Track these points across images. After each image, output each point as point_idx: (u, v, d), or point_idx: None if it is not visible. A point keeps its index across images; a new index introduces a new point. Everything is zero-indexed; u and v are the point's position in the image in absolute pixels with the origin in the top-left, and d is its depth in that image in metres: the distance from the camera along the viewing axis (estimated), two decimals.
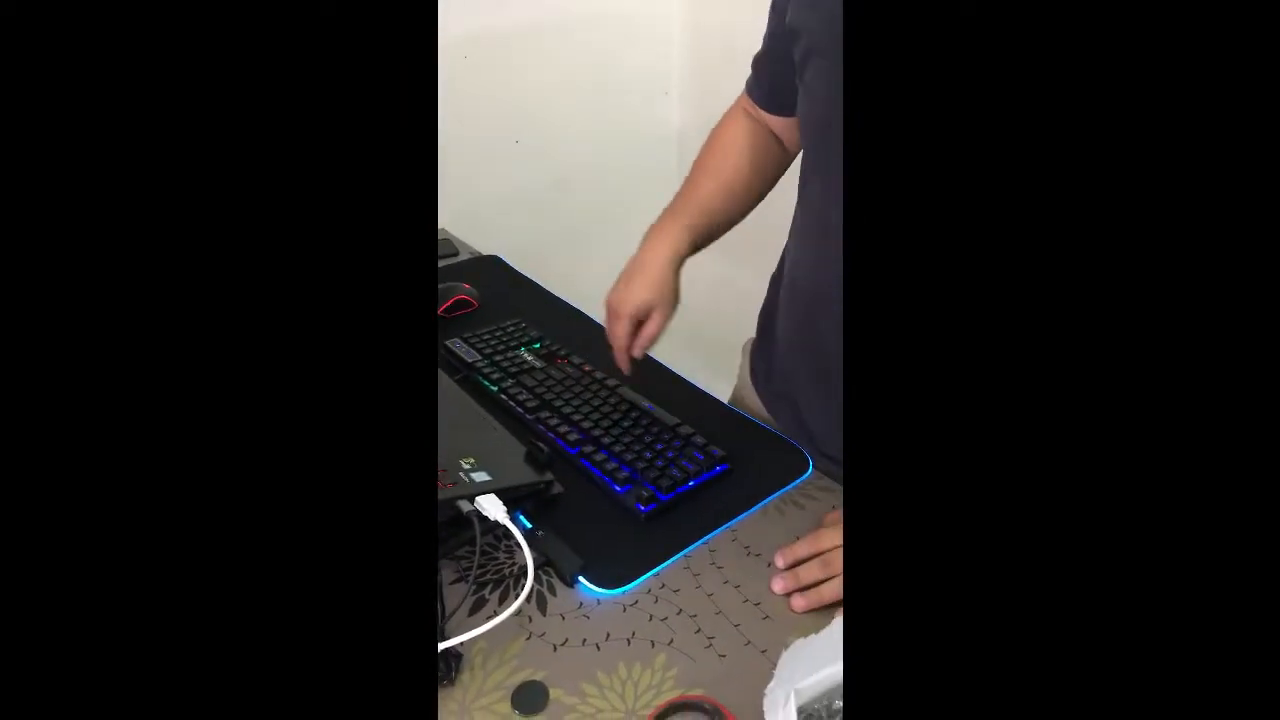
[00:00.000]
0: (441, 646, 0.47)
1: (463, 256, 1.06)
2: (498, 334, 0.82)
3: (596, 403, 0.69)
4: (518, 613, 0.51)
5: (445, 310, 0.88)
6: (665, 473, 0.60)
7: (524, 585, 0.51)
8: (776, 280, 0.72)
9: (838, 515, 0.57)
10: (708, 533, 0.57)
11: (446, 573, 0.54)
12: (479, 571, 0.54)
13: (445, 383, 0.72)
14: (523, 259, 1.02)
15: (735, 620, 0.50)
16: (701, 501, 0.60)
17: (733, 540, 0.57)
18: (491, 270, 1.00)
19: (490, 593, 0.53)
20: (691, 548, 0.56)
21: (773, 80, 0.66)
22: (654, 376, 0.77)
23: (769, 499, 0.60)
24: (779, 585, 0.53)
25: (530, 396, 0.71)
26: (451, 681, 0.47)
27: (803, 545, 0.54)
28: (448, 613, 0.51)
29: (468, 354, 0.78)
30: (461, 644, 0.47)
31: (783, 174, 0.72)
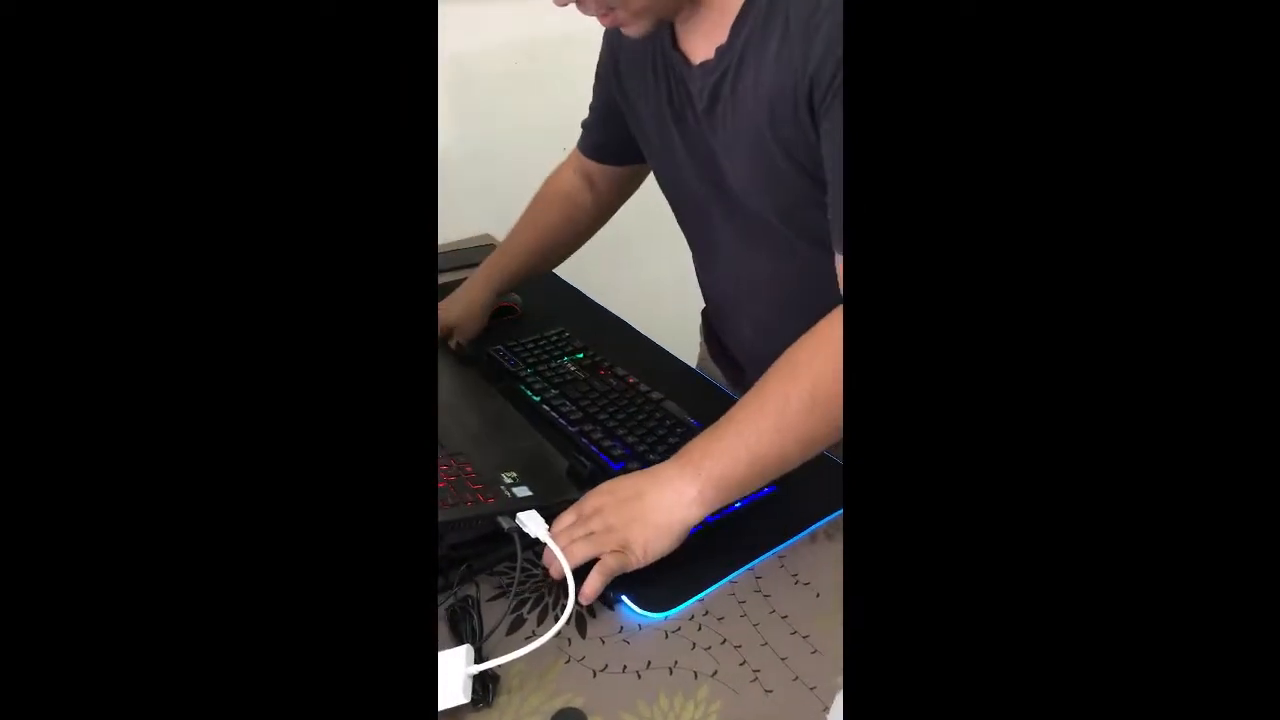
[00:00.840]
0: (479, 668, 0.46)
1: None
2: (540, 343, 0.81)
3: (641, 417, 0.68)
4: (557, 635, 0.49)
5: (491, 317, 0.87)
6: None
7: (564, 606, 0.49)
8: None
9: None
10: (755, 558, 0.55)
11: (485, 589, 0.53)
12: (517, 590, 0.53)
13: (487, 392, 0.71)
14: (565, 266, 1.01)
15: (783, 654, 0.48)
16: (748, 524, 0.58)
17: (780, 567, 0.55)
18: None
19: (529, 611, 0.52)
20: (738, 573, 0.54)
21: (599, 134, 0.80)
22: (698, 391, 0.75)
23: (818, 525, 0.58)
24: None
25: (574, 409, 0.69)
26: (489, 704, 0.45)
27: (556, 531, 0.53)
28: (486, 632, 0.50)
29: (510, 362, 0.78)
30: (499, 666, 0.46)
31: (600, 216, 0.87)
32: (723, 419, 0.54)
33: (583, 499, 0.55)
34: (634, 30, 0.58)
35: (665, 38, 0.63)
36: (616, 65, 0.72)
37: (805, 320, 0.57)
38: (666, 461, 0.55)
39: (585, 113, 1.28)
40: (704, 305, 0.86)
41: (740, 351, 0.79)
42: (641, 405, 0.69)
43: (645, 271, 0.88)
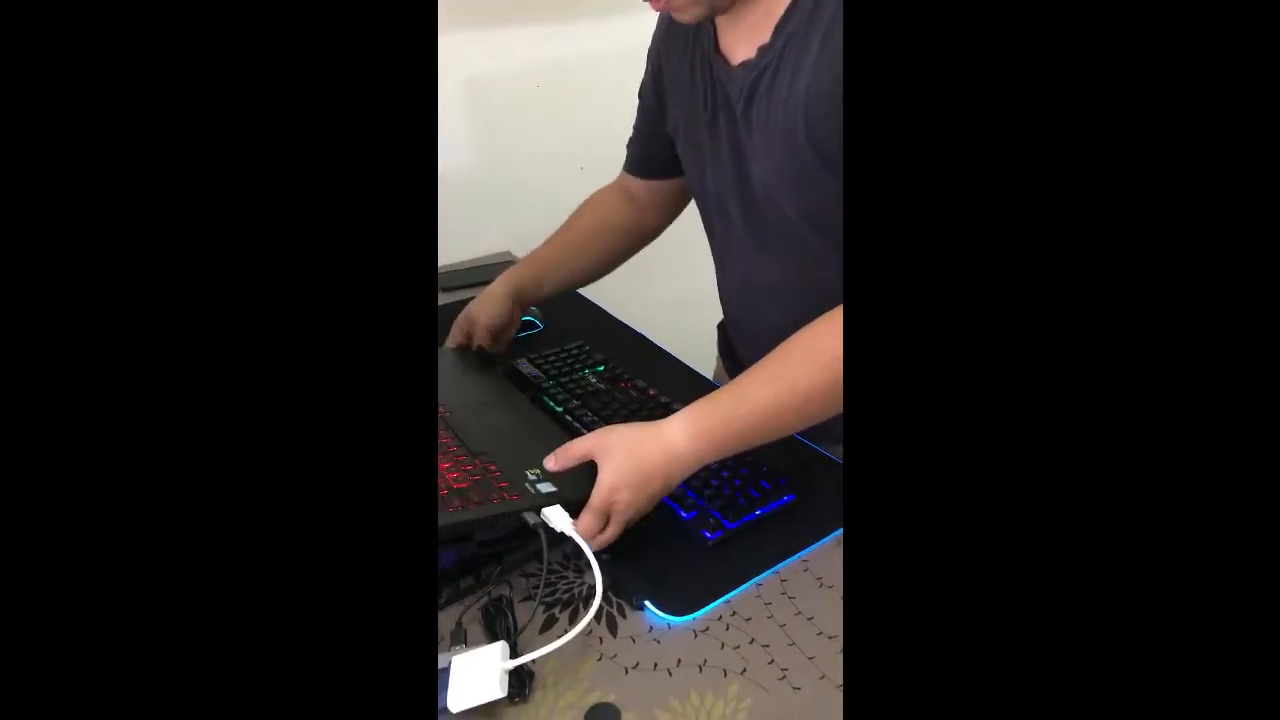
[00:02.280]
0: (514, 663, 0.46)
1: None
2: (562, 355, 0.82)
3: None
4: (588, 632, 0.50)
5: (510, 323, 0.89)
6: (732, 501, 0.60)
7: (594, 603, 0.50)
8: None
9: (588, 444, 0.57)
10: (779, 561, 0.56)
11: (516, 589, 0.54)
12: (547, 590, 0.54)
13: (512, 394, 0.73)
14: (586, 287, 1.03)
15: (809, 653, 0.49)
16: (768, 531, 0.59)
17: (804, 570, 0.56)
18: None
19: (560, 611, 0.53)
20: (762, 576, 0.55)
21: (644, 150, 0.82)
22: None
23: (839, 531, 0.59)
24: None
25: (596, 419, 0.71)
26: (525, 699, 0.46)
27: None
28: (519, 628, 0.51)
29: (533, 374, 0.79)
30: (534, 661, 0.47)
31: (644, 231, 0.87)
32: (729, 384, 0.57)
33: (601, 493, 0.54)
34: (687, 16, 0.58)
35: (707, 40, 0.64)
36: (658, 74, 0.73)
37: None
38: (666, 422, 0.57)
39: (601, 132, 1.31)
40: (720, 320, 0.88)
41: (752, 356, 0.79)
42: (662, 416, 0.70)
43: (663, 288, 0.90)
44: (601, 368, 0.80)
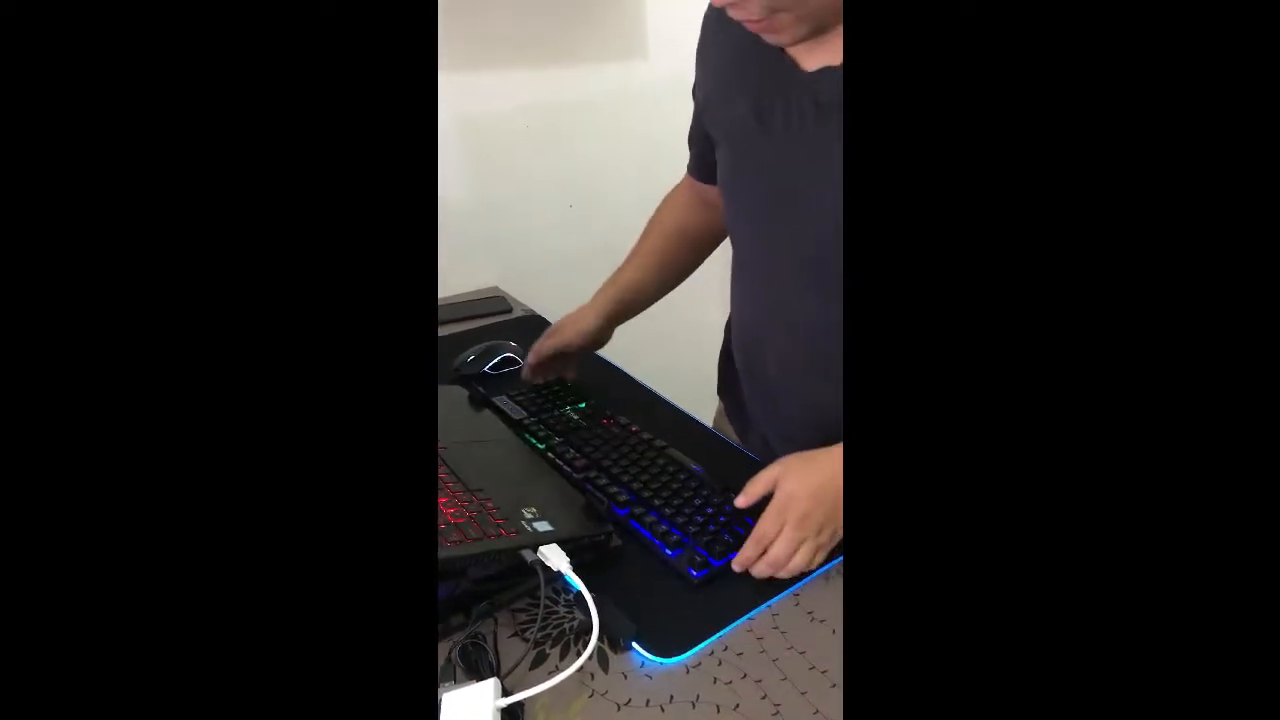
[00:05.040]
0: (505, 702, 0.46)
1: (516, 313, 1.08)
2: (544, 392, 0.82)
3: (644, 464, 0.69)
4: (579, 669, 0.50)
5: (492, 368, 0.90)
6: (717, 538, 0.59)
7: (588, 641, 0.50)
8: (729, 325, 0.81)
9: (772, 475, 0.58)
10: (768, 598, 0.56)
11: (505, 627, 0.54)
12: (536, 628, 0.53)
13: (505, 434, 0.73)
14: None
15: (802, 688, 0.49)
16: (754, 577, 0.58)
17: (796, 605, 0.56)
18: (536, 329, 1.02)
19: (550, 647, 0.52)
20: (753, 614, 0.55)
21: (701, 154, 0.76)
22: (699, 438, 0.77)
23: (830, 565, 0.59)
24: (761, 569, 0.56)
25: (578, 455, 0.70)
26: None
27: (766, 524, 0.56)
28: (510, 667, 0.50)
29: (514, 411, 0.79)
30: (525, 699, 0.47)
31: (717, 233, 0.82)
32: None
33: (778, 499, 0.56)
34: (785, 37, 0.56)
35: (771, 48, 0.60)
36: (706, 71, 0.70)
37: (826, 365, 0.58)
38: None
39: (589, 173, 1.34)
40: (718, 354, 0.86)
41: (758, 388, 0.75)
42: (644, 453, 0.70)
43: (650, 325, 0.91)
44: (584, 404, 0.80)
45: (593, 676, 0.50)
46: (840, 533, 0.57)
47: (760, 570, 0.56)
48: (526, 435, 0.75)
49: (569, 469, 0.69)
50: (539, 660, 0.51)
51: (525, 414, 0.78)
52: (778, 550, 0.55)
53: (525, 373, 0.82)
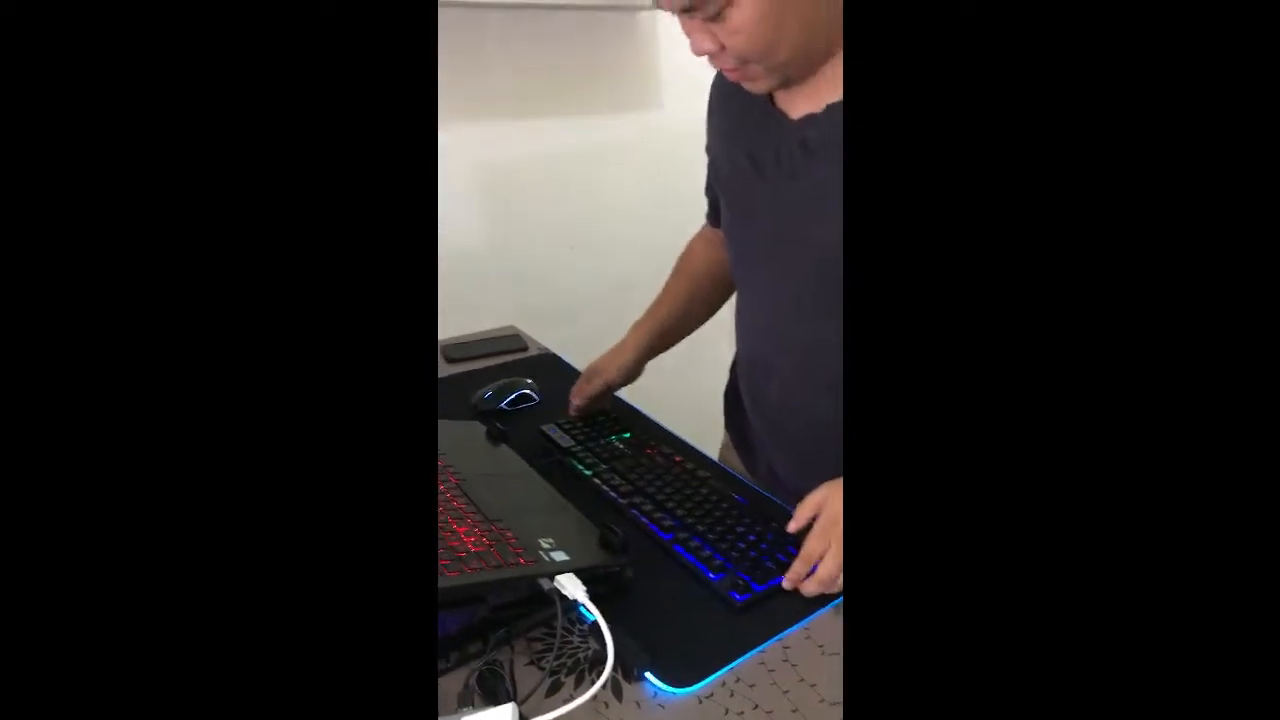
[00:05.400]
0: None
1: (532, 351, 1.11)
2: (589, 421, 0.85)
3: (688, 491, 0.71)
4: (593, 698, 0.51)
5: (509, 404, 0.92)
6: (759, 564, 0.61)
7: (602, 670, 0.51)
8: (734, 364, 0.86)
9: (818, 499, 0.62)
10: (781, 630, 0.57)
11: (520, 655, 0.55)
12: (551, 657, 0.55)
13: (523, 468, 0.75)
14: (588, 355, 1.07)
15: None
16: (775, 601, 0.60)
17: (807, 638, 0.57)
18: (551, 366, 1.05)
19: (565, 675, 0.53)
20: (764, 646, 0.56)
21: (714, 202, 0.83)
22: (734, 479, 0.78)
23: (840, 600, 0.60)
24: (811, 587, 0.58)
25: (624, 482, 0.73)
26: None
27: (814, 541, 0.60)
28: (525, 694, 0.51)
29: (563, 439, 0.81)
30: None
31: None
32: None
33: (822, 520, 0.60)
34: (759, 86, 0.61)
35: (763, 98, 0.66)
36: (713, 125, 0.76)
37: (825, 382, 0.62)
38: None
39: (601, 217, 1.38)
40: (724, 389, 0.90)
41: (762, 416, 0.78)
42: (688, 481, 0.72)
43: (665, 361, 0.93)
44: (628, 434, 0.83)
45: (606, 706, 0.51)
46: None
47: (809, 589, 0.59)
48: (573, 461, 0.77)
49: (614, 494, 0.71)
50: (554, 688, 0.52)
51: (573, 442, 0.81)
52: (826, 567, 0.58)
53: (572, 411, 0.86)
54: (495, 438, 0.81)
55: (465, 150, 1.17)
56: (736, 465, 0.87)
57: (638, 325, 0.88)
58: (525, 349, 1.12)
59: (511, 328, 1.21)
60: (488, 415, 0.89)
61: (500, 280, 1.28)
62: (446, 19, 1.12)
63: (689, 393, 1.04)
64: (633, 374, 0.87)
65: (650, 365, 0.90)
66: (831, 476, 0.64)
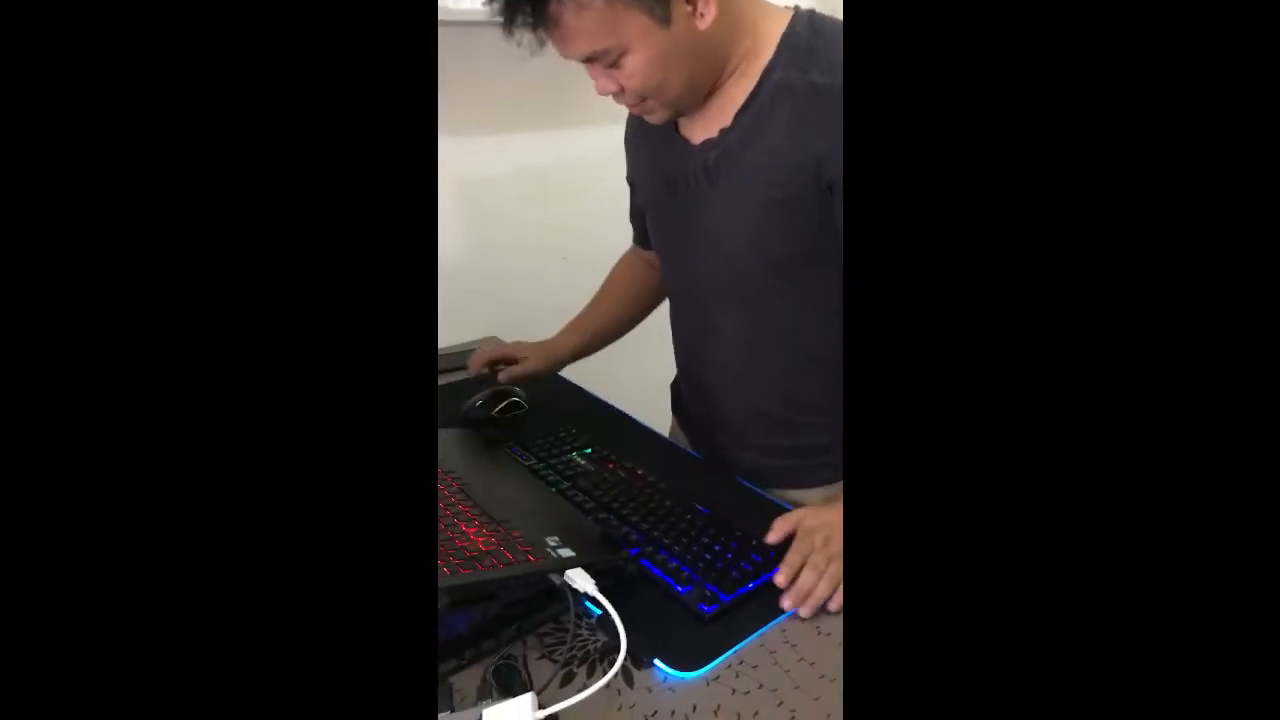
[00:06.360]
0: (544, 713, 0.49)
1: None
2: (550, 439, 0.86)
3: (652, 505, 0.72)
4: (607, 685, 0.53)
5: (499, 411, 0.94)
6: (725, 575, 0.62)
7: (612, 660, 0.53)
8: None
9: (796, 516, 0.67)
10: (781, 614, 0.60)
11: (531, 650, 0.57)
12: (563, 649, 0.57)
13: (519, 471, 0.77)
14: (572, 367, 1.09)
15: (815, 695, 0.53)
16: (764, 597, 0.62)
17: (803, 621, 0.60)
18: (535, 375, 1.07)
19: (577, 667, 0.56)
20: (764, 630, 0.59)
21: (640, 225, 0.93)
22: (700, 477, 0.81)
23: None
24: (788, 602, 0.60)
25: (587, 498, 0.74)
26: None
27: (792, 555, 0.63)
28: (541, 685, 0.53)
29: (524, 458, 0.82)
30: (560, 712, 0.50)
31: (659, 288, 0.96)
32: None
33: (799, 534, 0.65)
34: (657, 118, 0.71)
35: (669, 126, 0.77)
36: (631, 157, 0.87)
37: (748, 363, 0.75)
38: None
39: (582, 227, 1.41)
40: (673, 380, 0.97)
41: (699, 398, 0.90)
42: (651, 495, 0.74)
43: (646, 367, 0.97)
44: (589, 450, 0.84)
45: (619, 692, 0.53)
46: None
47: (789, 602, 0.60)
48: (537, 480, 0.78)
49: (579, 511, 0.72)
50: (566, 680, 0.54)
51: (535, 460, 0.81)
52: (804, 579, 0.61)
53: (473, 362, 0.96)
54: (491, 445, 0.82)
55: (444, 164, 1.18)
56: (685, 443, 0.96)
57: (571, 326, 0.99)
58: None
59: (493, 338, 1.23)
60: (478, 424, 0.91)
61: (479, 292, 1.30)
62: None
63: (642, 383, 1.09)
64: (556, 369, 0.98)
65: (610, 364, 0.96)
66: (760, 452, 0.80)
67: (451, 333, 1.20)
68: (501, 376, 0.94)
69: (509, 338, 1.23)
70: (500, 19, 0.63)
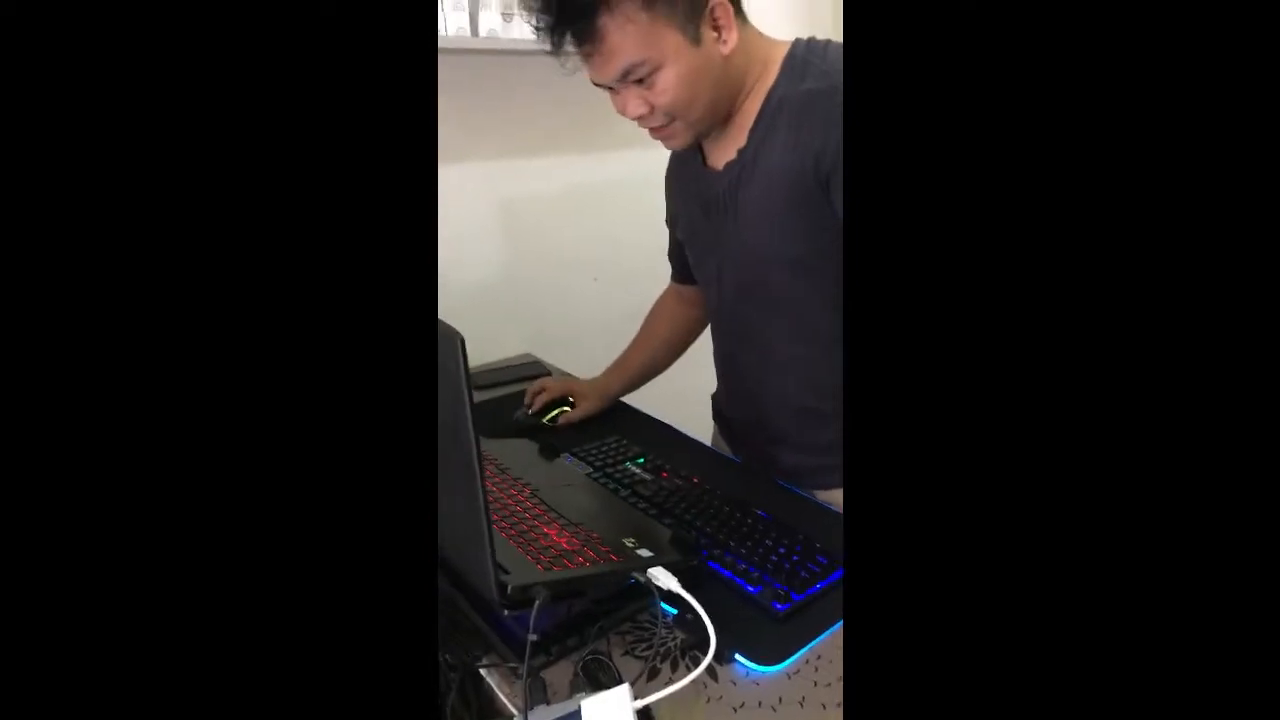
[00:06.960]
0: (641, 703, 0.51)
1: (554, 376, 1.15)
2: (603, 449, 0.88)
3: (712, 510, 0.74)
4: (696, 678, 0.55)
5: (549, 419, 0.97)
6: (795, 575, 0.64)
7: (693, 655, 0.55)
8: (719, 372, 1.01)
9: None
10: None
11: (615, 647, 0.59)
12: (643, 646, 0.58)
13: (582, 476, 0.79)
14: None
15: None
16: (833, 596, 0.63)
17: None
18: None
19: (661, 662, 0.57)
20: (837, 626, 0.61)
21: (680, 263, 0.98)
22: (754, 483, 0.84)
23: None
24: None
25: (648, 505, 0.75)
26: None
27: None
28: (631, 679, 0.55)
29: (580, 467, 0.84)
30: (655, 702, 0.51)
31: (693, 325, 1.03)
32: None
33: None
34: (679, 142, 0.76)
35: (696, 158, 0.82)
36: (670, 197, 0.92)
37: (791, 367, 0.80)
38: None
39: (610, 248, 1.45)
40: (713, 390, 1.01)
41: (739, 405, 0.94)
42: (711, 501, 0.75)
43: (668, 385, 1.00)
44: (642, 459, 0.86)
45: (705, 686, 0.55)
46: None
47: None
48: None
49: (646, 516, 0.73)
50: (652, 675, 0.56)
51: (591, 469, 0.83)
52: None
53: (533, 404, 0.99)
54: (548, 452, 0.85)
55: (483, 187, 1.22)
56: (727, 452, 0.99)
57: (616, 366, 1.05)
58: (549, 373, 1.16)
59: (529, 354, 1.26)
60: (531, 431, 0.93)
61: (515, 310, 1.32)
62: (470, 65, 1.18)
63: (684, 393, 1.12)
64: (608, 406, 1.02)
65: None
66: (797, 449, 0.84)
67: (488, 348, 1.22)
68: (562, 421, 0.97)
69: (543, 354, 1.26)
70: (547, 46, 0.67)
